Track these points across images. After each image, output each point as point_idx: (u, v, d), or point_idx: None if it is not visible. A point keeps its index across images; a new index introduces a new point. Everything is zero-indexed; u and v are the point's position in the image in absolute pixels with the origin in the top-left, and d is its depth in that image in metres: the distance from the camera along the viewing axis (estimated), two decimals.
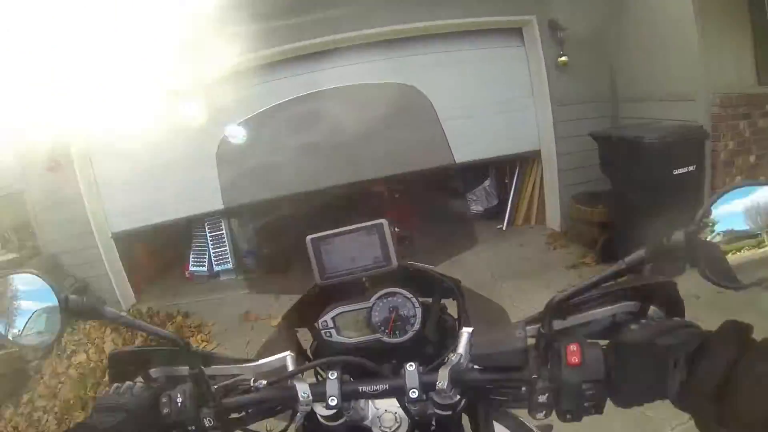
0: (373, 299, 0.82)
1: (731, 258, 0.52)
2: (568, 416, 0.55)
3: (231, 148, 1.16)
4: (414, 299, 0.81)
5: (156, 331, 0.67)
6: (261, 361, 0.73)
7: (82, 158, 4.71)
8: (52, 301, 0.61)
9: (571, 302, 0.61)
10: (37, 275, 0.62)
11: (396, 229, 0.88)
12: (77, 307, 0.60)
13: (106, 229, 4.92)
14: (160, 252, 6.12)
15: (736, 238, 0.52)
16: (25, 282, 0.64)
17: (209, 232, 5.35)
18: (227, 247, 5.32)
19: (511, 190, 5.18)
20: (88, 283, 4.87)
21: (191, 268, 5.47)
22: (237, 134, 1.19)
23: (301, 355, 0.90)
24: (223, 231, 5.33)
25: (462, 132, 4.37)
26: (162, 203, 4.80)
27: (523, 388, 0.58)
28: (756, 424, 0.43)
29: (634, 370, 0.53)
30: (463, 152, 4.38)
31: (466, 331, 0.66)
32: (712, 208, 0.51)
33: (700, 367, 0.48)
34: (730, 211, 0.51)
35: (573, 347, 0.55)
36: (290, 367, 0.69)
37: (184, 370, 0.69)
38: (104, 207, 4.88)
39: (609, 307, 0.66)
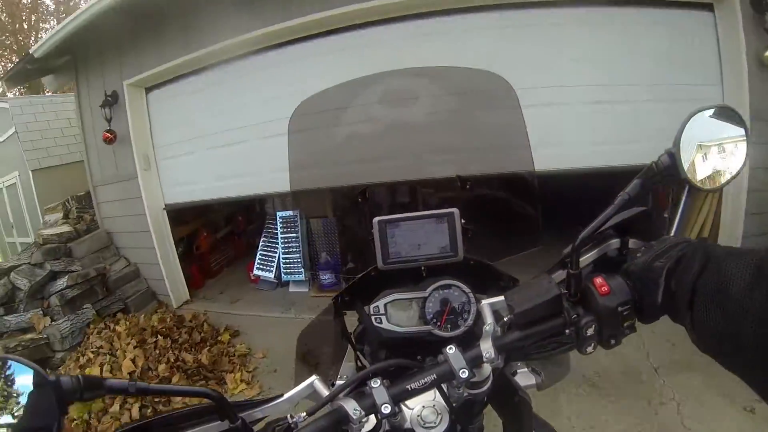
0: (429, 290, 0.80)
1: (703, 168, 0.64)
2: (612, 341, 0.59)
3: (301, 127, 1.09)
4: (471, 294, 0.80)
5: (182, 391, 0.63)
6: (287, 395, 0.65)
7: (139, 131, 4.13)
8: (41, 389, 0.47)
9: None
10: (15, 360, 0.47)
11: (462, 220, 0.84)
12: (73, 388, 0.48)
13: (161, 205, 4.23)
14: (227, 244, 5.50)
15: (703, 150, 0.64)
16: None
17: (281, 233, 4.45)
18: (300, 254, 4.35)
19: (672, 227, 3.84)
20: (139, 269, 4.27)
21: (256, 272, 4.62)
22: (307, 111, 1.10)
23: (344, 338, 0.90)
24: (298, 234, 4.41)
25: (605, 124, 3.21)
26: (219, 180, 4.04)
27: (567, 331, 0.60)
28: (714, 334, 0.48)
29: (644, 292, 0.57)
30: (608, 154, 3.21)
31: (486, 303, 0.66)
32: (683, 131, 0.61)
33: (675, 283, 0.53)
34: (695, 132, 0.62)
35: (599, 280, 0.58)
36: (324, 392, 0.63)
37: (212, 428, 0.61)
38: (159, 182, 4.23)
39: (598, 249, 0.70)
